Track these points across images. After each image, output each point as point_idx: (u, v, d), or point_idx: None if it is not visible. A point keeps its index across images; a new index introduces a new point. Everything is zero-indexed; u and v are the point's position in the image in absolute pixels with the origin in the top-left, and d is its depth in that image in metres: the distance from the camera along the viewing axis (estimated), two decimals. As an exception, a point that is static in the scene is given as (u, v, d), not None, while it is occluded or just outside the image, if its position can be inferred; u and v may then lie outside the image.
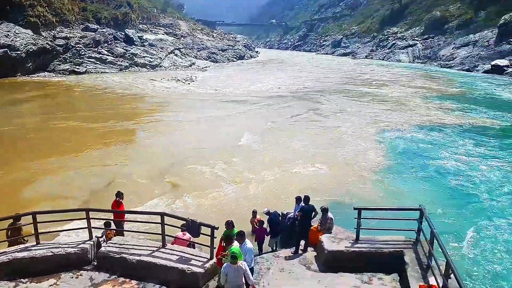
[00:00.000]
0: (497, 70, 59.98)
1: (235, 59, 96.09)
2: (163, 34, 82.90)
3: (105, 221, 10.18)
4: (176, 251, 8.72)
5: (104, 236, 9.87)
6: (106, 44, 61.90)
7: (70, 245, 9.05)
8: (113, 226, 10.37)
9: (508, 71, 58.52)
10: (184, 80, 51.45)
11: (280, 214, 11.32)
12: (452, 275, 6.09)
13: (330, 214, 9.93)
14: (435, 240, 7.32)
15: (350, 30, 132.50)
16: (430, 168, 19.02)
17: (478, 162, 19.76)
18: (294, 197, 10.71)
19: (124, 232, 10.41)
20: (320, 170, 18.46)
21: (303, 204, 9.77)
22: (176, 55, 74.37)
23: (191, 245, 9.41)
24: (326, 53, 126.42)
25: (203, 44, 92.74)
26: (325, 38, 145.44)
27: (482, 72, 62.27)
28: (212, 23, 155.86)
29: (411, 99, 39.54)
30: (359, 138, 24.28)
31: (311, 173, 18.10)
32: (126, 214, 10.67)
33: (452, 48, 77.29)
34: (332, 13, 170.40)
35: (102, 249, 8.96)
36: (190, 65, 72.12)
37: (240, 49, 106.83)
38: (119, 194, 10.79)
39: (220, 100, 38.22)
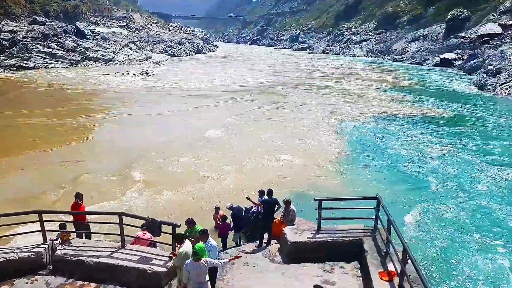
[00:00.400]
0: (446, 63, 63.17)
1: (193, 53, 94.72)
2: (116, 27, 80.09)
3: (60, 223, 9.71)
4: (136, 251, 8.48)
5: (59, 239, 9.42)
6: (55, 38, 58.83)
7: (23, 250, 8.59)
8: (72, 228, 9.91)
9: (456, 64, 61.73)
10: (140, 74, 50.02)
11: (244, 208, 11.31)
12: (409, 261, 6.33)
13: (292, 206, 10.04)
14: (392, 227, 7.59)
15: (307, 25, 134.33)
16: (387, 156, 19.78)
17: (429, 149, 20.79)
18: (257, 191, 10.72)
19: (78, 233, 9.98)
20: (283, 162, 18.65)
21: (266, 197, 9.80)
22: (130, 48, 72.13)
23: (152, 244, 9.19)
24: (284, 48, 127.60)
25: (159, 38, 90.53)
26: (283, 33, 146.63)
27: (432, 65, 65.30)
28: (168, 16, 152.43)
29: (367, 91, 40.81)
30: (321, 130, 24.82)
31: (275, 165, 18.25)
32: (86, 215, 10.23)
33: (404, 43, 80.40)
34: (289, 8, 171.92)
35: (58, 252, 8.56)
36: (146, 59, 70.26)
37: (198, 43, 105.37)
38: (79, 196, 10.29)
39: (181, 95, 37.56)
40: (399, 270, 6.91)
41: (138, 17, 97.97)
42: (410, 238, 11.58)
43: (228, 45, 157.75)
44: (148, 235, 8.98)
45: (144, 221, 8.70)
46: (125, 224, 8.62)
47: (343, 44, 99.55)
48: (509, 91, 37.72)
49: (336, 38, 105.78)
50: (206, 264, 6.61)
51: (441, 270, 10.40)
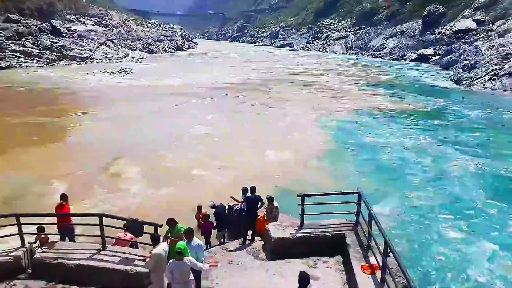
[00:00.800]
0: (423, 58, 64.46)
1: (172, 50, 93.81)
2: (93, 24, 78.50)
3: (38, 226, 9.45)
4: (118, 252, 8.34)
5: (37, 242, 9.18)
6: (30, 36, 57.22)
7: (1, 254, 8.33)
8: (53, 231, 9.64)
9: (432, 59, 63.06)
10: (118, 73, 49.20)
11: (227, 206, 11.26)
12: (390, 253, 6.42)
13: (275, 203, 10.04)
14: (373, 221, 7.69)
15: (287, 22, 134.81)
16: (368, 150, 20.28)
17: (407, 142, 21.49)
18: (241, 188, 10.67)
19: (61, 235, 9.75)
20: (268, 158, 18.75)
21: (249, 195, 9.78)
22: (108, 46, 70.80)
23: (134, 245, 9.05)
24: (265, 45, 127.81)
25: (137, 35, 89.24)
26: (263, 30, 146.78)
27: (410, 61, 66.57)
28: (146, 13, 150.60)
29: (348, 87, 41.53)
30: (304, 124, 25.26)
31: (260, 161, 18.31)
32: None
33: (382, 39, 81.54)
34: (268, 5, 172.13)
35: (37, 255, 8.34)
36: (124, 57, 69.19)
37: (177, 40, 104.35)
38: (63, 197, 9.90)
39: (164, 93, 36.93)
40: (381, 263, 7.00)
41: (116, 15, 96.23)
42: (391, 230, 11.72)
43: (208, 42, 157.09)
44: (129, 235, 8.84)
45: (125, 222, 8.57)
46: (106, 225, 8.47)
47: (323, 40, 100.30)
48: (484, 85, 38.75)
49: (316, 35, 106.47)
50: (189, 263, 6.56)
51: (421, 259, 10.62)
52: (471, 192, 14.91)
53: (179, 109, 30.09)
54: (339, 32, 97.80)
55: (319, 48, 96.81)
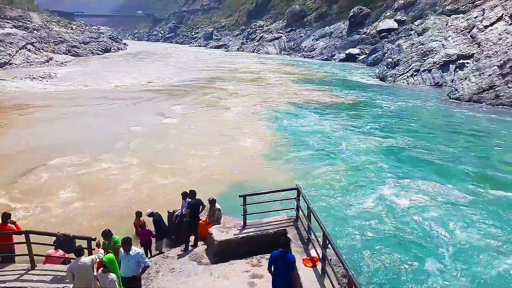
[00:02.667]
0: (351, 58, 67.73)
1: (100, 52, 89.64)
2: (11, 27, 72.34)
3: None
4: (49, 270, 7.79)
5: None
6: None
7: None
8: None
9: (359, 58, 66.48)
10: (41, 78, 45.95)
11: (167, 212, 10.96)
12: (329, 245, 6.63)
13: (217, 205, 9.94)
14: (311, 214, 7.90)
15: (220, 23, 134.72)
16: (308, 141, 21.46)
17: (336, 129, 23.94)
18: (180, 193, 10.44)
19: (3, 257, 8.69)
20: (211, 159, 18.51)
21: (190, 199, 9.56)
22: (29, 50, 65.78)
23: (67, 261, 8.46)
24: (199, 45, 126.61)
25: (61, 37, 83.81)
26: (197, 31, 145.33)
27: (339, 61, 69.66)
28: (69, 15, 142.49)
29: (285, 84, 43.69)
30: (248, 121, 26.09)
31: (203, 162, 18.03)
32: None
33: (312, 40, 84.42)
34: (200, 5, 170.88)
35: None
36: (47, 61, 64.84)
37: (105, 41, 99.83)
38: (8, 215, 8.50)
39: (91, 97, 34.99)
40: (320, 255, 7.21)
41: (36, 16, 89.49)
42: (329, 219, 12.10)
43: (138, 43, 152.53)
44: (60, 252, 8.25)
45: (55, 238, 8.00)
46: (34, 243, 7.84)
47: (257, 42, 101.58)
48: (407, 81, 41.70)
49: (250, 36, 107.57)
50: (108, 279, 6.40)
51: (356, 247, 11.10)
52: (377, 164, 17.75)
53: (115, 112, 28.83)
54: (272, 34, 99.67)
55: (254, 49, 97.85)
